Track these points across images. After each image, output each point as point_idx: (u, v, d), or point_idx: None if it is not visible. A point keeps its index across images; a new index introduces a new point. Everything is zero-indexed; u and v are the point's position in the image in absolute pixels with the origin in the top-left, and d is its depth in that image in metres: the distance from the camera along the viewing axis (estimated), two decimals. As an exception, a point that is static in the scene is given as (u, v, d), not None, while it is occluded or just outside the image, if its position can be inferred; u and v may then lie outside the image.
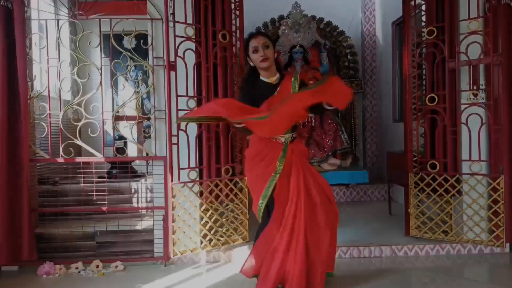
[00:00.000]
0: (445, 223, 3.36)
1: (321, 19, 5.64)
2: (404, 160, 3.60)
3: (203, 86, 3.21)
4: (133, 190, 3.86)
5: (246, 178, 2.93)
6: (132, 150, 4.41)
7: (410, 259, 3.31)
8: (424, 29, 3.41)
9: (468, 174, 3.21)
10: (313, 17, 5.60)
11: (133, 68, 3.73)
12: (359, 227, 4.01)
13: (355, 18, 6.07)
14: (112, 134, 4.89)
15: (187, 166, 3.11)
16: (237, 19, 3.44)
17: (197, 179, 3.17)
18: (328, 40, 5.60)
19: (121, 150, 4.29)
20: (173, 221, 3.05)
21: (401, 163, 3.87)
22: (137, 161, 4.05)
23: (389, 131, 5.54)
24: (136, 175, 4.17)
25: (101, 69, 3.17)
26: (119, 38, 3.38)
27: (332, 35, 5.67)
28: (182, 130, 3.07)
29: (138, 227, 3.46)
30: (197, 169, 3.16)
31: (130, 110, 3.73)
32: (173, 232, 3.05)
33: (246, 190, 3.38)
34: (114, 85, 4.95)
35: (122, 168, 4.20)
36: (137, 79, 4.82)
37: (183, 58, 3.07)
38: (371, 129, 5.99)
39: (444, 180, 3.31)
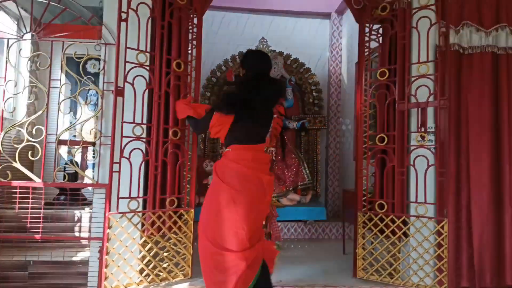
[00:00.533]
0: (392, 265, 3.31)
1: (288, 55, 5.73)
2: (355, 192, 3.58)
3: (154, 113, 3.15)
4: (76, 219, 3.69)
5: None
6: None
7: (355, 302, 3.22)
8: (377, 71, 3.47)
9: (414, 216, 3.20)
10: (280, 53, 5.68)
11: (94, 92, 3.67)
12: (310, 266, 3.92)
13: (323, 57, 6.20)
14: (65, 158, 4.73)
15: (128, 196, 2.99)
16: (194, 50, 3.43)
17: (139, 209, 3.04)
18: (294, 76, 5.67)
19: (72, 176, 4.14)
20: (107, 253, 2.90)
21: (354, 201, 3.85)
22: (89, 188, 3.90)
23: (350, 168, 5.55)
24: (85, 203, 4.01)
25: (48, 90, 3.09)
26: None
27: (298, 71, 5.75)
28: (125, 157, 2.97)
29: (75, 259, 3.28)
30: (139, 200, 3.04)
31: (87, 135, 3.62)
32: (106, 266, 2.89)
33: (192, 223, 3.27)
34: (74, 108, 4.84)
35: (72, 195, 4.04)
36: (96, 103, 4.73)
37: (132, 84, 3.02)
38: (333, 166, 5.99)
39: (391, 221, 3.28)
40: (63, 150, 4.62)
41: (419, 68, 3.24)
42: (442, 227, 3.08)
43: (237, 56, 5.64)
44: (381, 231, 3.33)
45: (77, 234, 3.62)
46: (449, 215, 3.13)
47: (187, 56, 3.35)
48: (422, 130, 3.22)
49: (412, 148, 3.25)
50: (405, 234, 3.26)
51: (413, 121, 3.32)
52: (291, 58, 5.75)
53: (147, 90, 3.13)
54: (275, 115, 5.40)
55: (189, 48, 3.42)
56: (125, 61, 2.99)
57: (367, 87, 3.50)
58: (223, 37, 5.99)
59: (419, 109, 3.22)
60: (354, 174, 3.59)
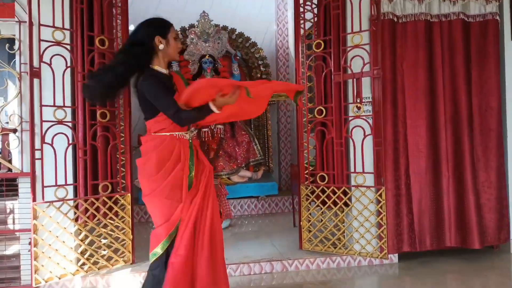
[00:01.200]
0: (335, 236, 3.34)
1: (233, 30, 5.56)
2: (297, 165, 3.56)
3: (78, 94, 2.96)
4: (8, 211, 3.48)
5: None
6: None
7: (301, 273, 3.24)
8: (312, 43, 3.40)
9: (353, 186, 3.21)
10: (225, 27, 5.51)
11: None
12: (260, 241, 3.91)
13: (269, 31, 6.07)
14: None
15: (54, 184, 2.82)
16: (119, 26, 3.22)
17: (67, 197, 2.88)
18: (240, 51, 5.53)
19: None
20: (35, 245, 2.74)
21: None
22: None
23: (301, 142, 5.55)
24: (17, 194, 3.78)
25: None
26: (4, 42, 3.06)
27: (244, 46, 5.61)
28: (47, 143, 2.79)
29: (8, 252, 3.10)
30: (67, 187, 2.87)
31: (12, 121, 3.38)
32: (35, 258, 2.74)
33: (129, 208, 3.15)
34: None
35: (8, 186, 3.80)
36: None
37: (49, 65, 2.80)
38: (285, 140, 5.98)
39: (333, 192, 3.29)
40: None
41: (353, 38, 3.19)
42: (380, 195, 3.12)
43: (179, 32, 5.42)
44: (324, 203, 3.34)
45: (10, 226, 3.41)
46: (388, 183, 3.16)
47: (112, 33, 3.14)
48: (358, 101, 3.20)
49: (349, 119, 3.23)
50: (347, 205, 3.28)
51: (349, 92, 3.30)
52: (236, 33, 5.59)
53: (69, 71, 2.92)
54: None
55: (116, 24, 3.21)
56: (39, 40, 2.76)
57: (304, 60, 3.43)
58: (164, 13, 5.65)
59: (354, 79, 3.19)
60: (296, 147, 3.56)
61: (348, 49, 3.20)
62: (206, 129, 5.15)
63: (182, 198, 2.16)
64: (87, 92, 2.21)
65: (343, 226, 3.33)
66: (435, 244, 3.39)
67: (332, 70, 3.26)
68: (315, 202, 3.40)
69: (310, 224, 3.43)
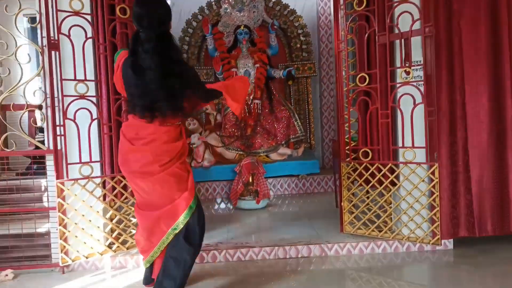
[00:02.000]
0: (380, 218, 3.01)
1: (270, -3, 5.22)
2: (337, 140, 3.23)
3: (101, 67, 2.81)
4: (43, 189, 3.46)
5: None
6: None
7: (342, 258, 2.95)
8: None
9: (401, 163, 2.84)
10: (261, -6, 5.17)
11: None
12: (299, 222, 3.66)
13: (310, -4, 5.64)
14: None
15: (78, 161, 2.71)
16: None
17: (93, 175, 2.77)
18: (278, 20, 5.18)
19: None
20: (61, 224, 2.67)
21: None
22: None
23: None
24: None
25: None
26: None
27: (282, 14, 5.25)
28: (70, 119, 2.67)
29: (40, 230, 3.07)
30: (92, 164, 2.76)
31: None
32: (61, 237, 2.67)
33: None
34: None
35: (39, 163, 3.80)
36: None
37: (68, 36, 2.66)
38: (328, 115, 5.60)
39: (377, 170, 2.94)
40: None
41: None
42: (433, 173, 2.73)
43: (213, 2, 5.16)
44: (368, 182, 3.01)
45: (45, 204, 3.39)
46: (442, 159, 2.77)
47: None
48: (407, 64, 2.79)
49: (396, 86, 2.84)
50: (394, 184, 2.93)
51: (397, 56, 2.89)
52: (273, 0, 5.22)
53: (89, 43, 2.77)
54: (257, 65, 5.02)
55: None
56: (57, 10, 2.61)
57: (344, 20, 3.05)
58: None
59: (403, 40, 2.78)
60: (337, 120, 3.22)
61: (395, 4, 2.78)
62: (242, 105, 4.91)
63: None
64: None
65: (390, 207, 2.98)
66: (497, 230, 2.96)
67: (377, 30, 2.86)
68: (358, 181, 3.07)
69: (353, 205, 3.11)
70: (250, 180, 4.20)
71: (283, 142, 5.08)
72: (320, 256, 2.98)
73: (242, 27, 4.92)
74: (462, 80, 2.90)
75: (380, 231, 2.98)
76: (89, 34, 2.74)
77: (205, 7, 5.15)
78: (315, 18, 5.60)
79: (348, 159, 3.10)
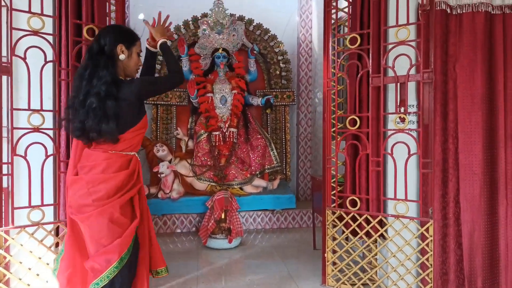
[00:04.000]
0: (366, 272, 2.77)
1: (251, 20, 4.98)
2: (322, 184, 2.99)
3: (61, 95, 2.44)
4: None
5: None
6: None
7: (324, 316, 2.69)
8: (346, 37, 2.81)
9: (392, 216, 2.62)
10: (241, 17, 4.93)
11: None
12: (274, 265, 3.37)
13: (291, 22, 5.46)
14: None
15: (27, 204, 2.31)
16: (113, 13, 2.68)
17: (44, 220, 2.37)
18: (258, 45, 4.95)
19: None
20: (1, 281, 2.24)
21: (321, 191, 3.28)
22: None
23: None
24: None
25: None
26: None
27: (262, 39, 5.02)
28: (19, 155, 2.27)
29: None
30: (43, 208, 2.36)
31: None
32: (0, 296, 2.25)
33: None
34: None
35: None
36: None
37: (23, 59, 2.28)
38: (305, 145, 5.39)
39: (365, 221, 2.71)
40: None
41: (397, 32, 2.58)
42: (427, 230, 2.53)
43: (190, 22, 4.86)
44: (353, 232, 2.77)
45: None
46: (435, 214, 2.57)
47: (105, 20, 2.60)
48: (402, 110, 2.60)
49: (389, 132, 2.64)
50: (382, 236, 2.70)
51: (390, 100, 2.71)
52: (253, 24, 5.00)
53: (48, 67, 2.40)
54: (234, 91, 4.76)
55: (109, 11, 2.67)
56: (11, 28, 2.24)
57: (335, 58, 2.84)
58: (175, 0, 5.18)
59: (398, 84, 2.59)
60: (322, 163, 2.98)
61: (391, 46, 2.60)
62: (217, 133, 4.61)
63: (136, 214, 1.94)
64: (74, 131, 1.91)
65: (378, 263, 2.75)
66: (487, 287, 2.79)
67: (370, 71, 2.66)
68: (342, 231, 2.83)
69: (336, 257, 2.86)
70: (223, 217, 3.88)
71: (257, 172, 4.80)
72: (301, 314, 2.70)
73: (220, 50, 4.65)
74: (456, 127, 2.73)
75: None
76: (49, 57, 2.38)
77: (182, 26, 4.84)
78: (295, 45, 5.42)
79: (333, 205, 2.85)
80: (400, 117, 2.59)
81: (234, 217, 3.90)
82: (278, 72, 5.05)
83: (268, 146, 4.86)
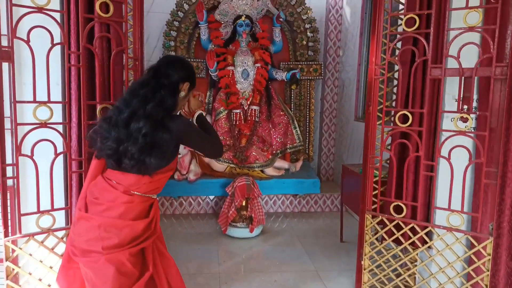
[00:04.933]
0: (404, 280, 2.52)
1: (276, -17, 4.47)
2: (361, 185, 2.69)
3: (71, 84, 2.11)
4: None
5: None
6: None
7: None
8: (402, 17, 2.39)
9: (443, 228, 2.33)
10: (266, -21, 4.43)
11: None
12: (300, 260, 3.15)
13: (320, -16, 4.93)
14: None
15: (36, 210, 2.04)
16: (131, -18, 2.28)
17: (55, 227, 2.11)
18: (284, 11, 4.47)
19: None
20: (10, 294, 2.03)
21: (357, 187, 2.99)
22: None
23: (349, 128, 4.61)
24: None
25: None
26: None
27: (289, 4, 4.53)
28: (25, 155, 1.98)
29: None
30: (53, 213, 2.09)
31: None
32: (9, 311, 2.03)
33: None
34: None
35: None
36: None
37: (27, 42, 1.92)
38: (329, 122, 5.03)
39: (411, 230, 2.43)
40: None
41: (466, 16, 2.15)
42: (484, 248, 2.24)
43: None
44: (397, 241, 2.50)
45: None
46: (495, 232, 2.27)
47: (121, -7, 2.20)
48: (465, 109, 2.24)
49: (446, 134, 2.28)
50: (429, 248, 2.43)
51: (448, 95, 2.33)
52: (280, -13, 4.50)
53: (56, 51, 2.05)
54: (258, 65, 4.35)
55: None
56: (11, 4, 1.87)
57: (387, 40, 2.44)
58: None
59: (463, 78, 2.21)
60: (363, 160, 2.66)
61: (457, 32, 2.19)
62: (238, 111, 4.25)
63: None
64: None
65: (423, 277, 2.49)
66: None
67: (429, 60, 2.27)
68: (383, 238, 2.56)
69: (375, 265, 2.60)
70: (243, 204, 3.63)
71: (278, 152, 4.49)
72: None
73: (243, 18, 4.20)
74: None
75: (406, 301, 2.50)
76: (57, 39, 2.02)
77: (208, -13, 4.35)
78: (323, 11, 4.91)
79: (374, 206, 2.56)
80: (462, 117, 2.23)
81: (256, 205, 3.65)
82: (304, 43, 4.60)
83: (290, 123, 4.52)
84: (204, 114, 1.91)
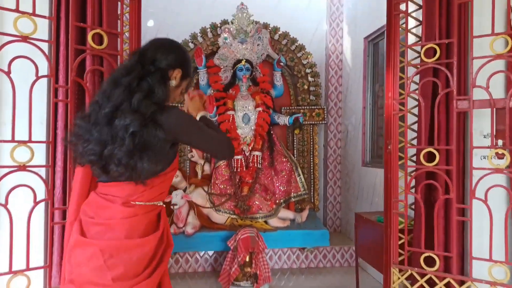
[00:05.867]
0: None
1: (276, 28, 4.41)
2: (380, 235, 2.38)
3: (57, 121, 1.86)
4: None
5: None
6: None
7: None
8: (419, 48, 2.22)
9: (485, 282, 2.01)
10: (266, 25, 4.37)
11: None
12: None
13: (319, 30, 4.90)
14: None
15: (8, 270, 1.70)
16: (127, 14, 2.11)
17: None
18: (284, 56, 4.38)
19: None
20: None
21: (376, 237, 2.68)
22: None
23: (356, 175, 4.36)
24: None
25: None
26: None
27: (289, 49, 4.45)
28: (-2, 204, 1.68)
29: None
30: (28, 273, 1.75)
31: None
32: None
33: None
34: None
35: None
36: None
37: (7, 74, 1.70)
38: (334, 169, 4.79)
39: (446, 285, 2.10)
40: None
41: (492, 43, 1.99)
42: (536, 304, 1.91)
43: (208, 30, 4.30)
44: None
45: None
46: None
47: (116, 25, 2.02)
48: (500, 144, 2.01)
49: (479, 172, 2.04)
50: (467, 305, 2.09)
51: (476, 129, 2.12)
52: (279, 32, 4.43)
53: (42, 84, 1.82)
54: (259, 109, 4.18)
55: (121, 13, 2.11)
56: (-9, 31, 1.67)
57: (405, 72, 2.26)
58: (191, 4, 4.64)
59: (495, 110, 2.00)
60: (384, 206, 2.38)
61: (483, 60, 2.01)
62: (239, 157, 4.00)
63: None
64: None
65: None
66: None
67: (455, 92, 2.07)
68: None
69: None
70: (247, 260, 3.27)
71: (282, 201, 4.19)
72: None
73: (243, 62, 4.08)
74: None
75: None
76: (43, 71, 1.80)
77: (199, 34, 4.26)
78: (323, 56, 4.85)
79: (401, 263, 2.24)
80: (497, 153, 1.99)
81: (261, 260, 3.29)
82: (306, 87, 4.47)
83: (294, 171, 4.26)
84: (208, 115, 1.60)
